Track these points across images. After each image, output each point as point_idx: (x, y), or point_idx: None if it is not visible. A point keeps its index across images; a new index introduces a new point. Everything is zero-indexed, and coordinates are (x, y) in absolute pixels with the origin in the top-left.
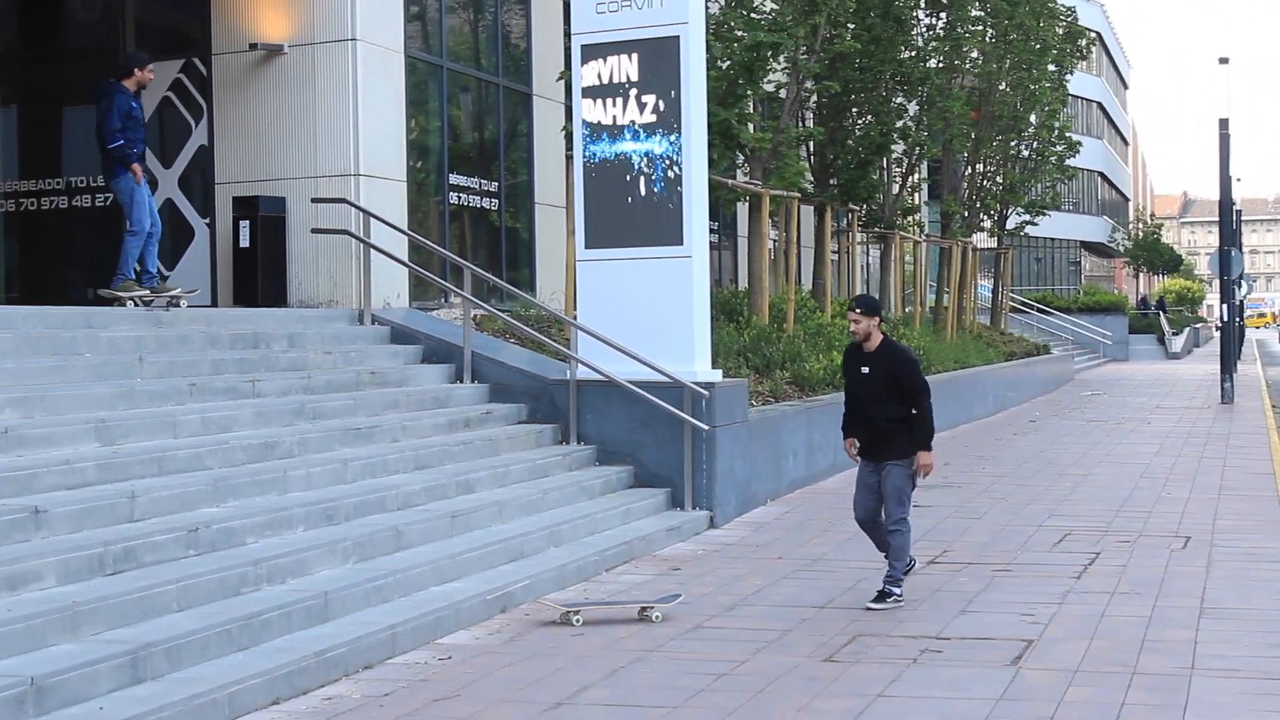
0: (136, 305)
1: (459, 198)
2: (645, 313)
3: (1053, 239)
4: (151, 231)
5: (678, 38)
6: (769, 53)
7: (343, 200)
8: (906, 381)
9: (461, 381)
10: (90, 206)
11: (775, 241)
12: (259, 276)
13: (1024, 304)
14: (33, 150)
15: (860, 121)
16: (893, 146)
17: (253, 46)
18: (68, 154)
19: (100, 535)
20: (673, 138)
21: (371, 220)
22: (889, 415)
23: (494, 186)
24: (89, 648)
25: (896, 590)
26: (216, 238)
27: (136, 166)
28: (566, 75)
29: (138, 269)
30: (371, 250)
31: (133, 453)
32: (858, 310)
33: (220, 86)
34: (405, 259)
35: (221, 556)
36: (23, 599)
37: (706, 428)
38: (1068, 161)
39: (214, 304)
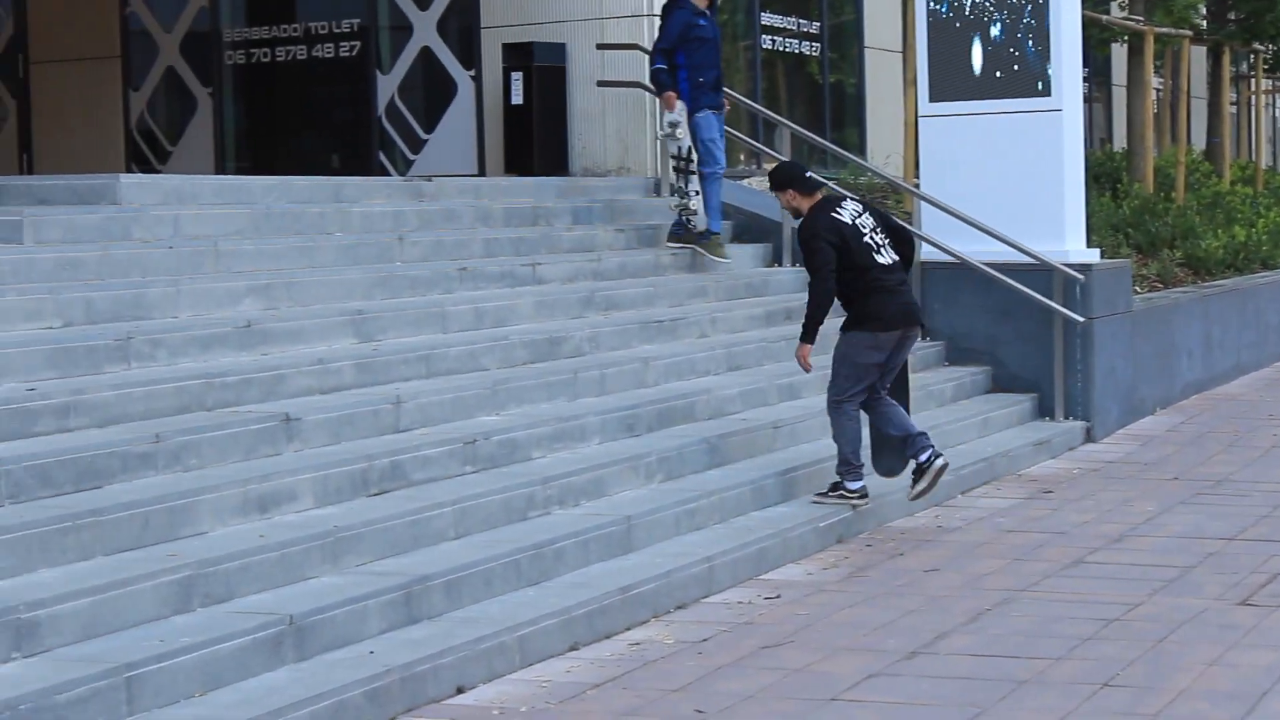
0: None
1: (772, 41)
2: (1003, 179)
3: None
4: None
5: None
6: None
7: (634, 46)
8: (805, 260)
9: (780, 264)
10: (333, 57)
11: (1159, 92)
12: (535, 139)
13: None
14: None
15: None
16: None
17: None
18: None
19: (362, 448)
20: None
21: None
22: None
23: (814, 28)
24: (354, 581)
25: (848, 482)
26: (484, 93)
27: (670, 95)
28: None
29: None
30: None
31: (395, 350)
32: (770, 189)
33: None
34: None
35: (503, 474)
36: (276, 523)
37: (1081, 319)
38: None
39: (481, 172)
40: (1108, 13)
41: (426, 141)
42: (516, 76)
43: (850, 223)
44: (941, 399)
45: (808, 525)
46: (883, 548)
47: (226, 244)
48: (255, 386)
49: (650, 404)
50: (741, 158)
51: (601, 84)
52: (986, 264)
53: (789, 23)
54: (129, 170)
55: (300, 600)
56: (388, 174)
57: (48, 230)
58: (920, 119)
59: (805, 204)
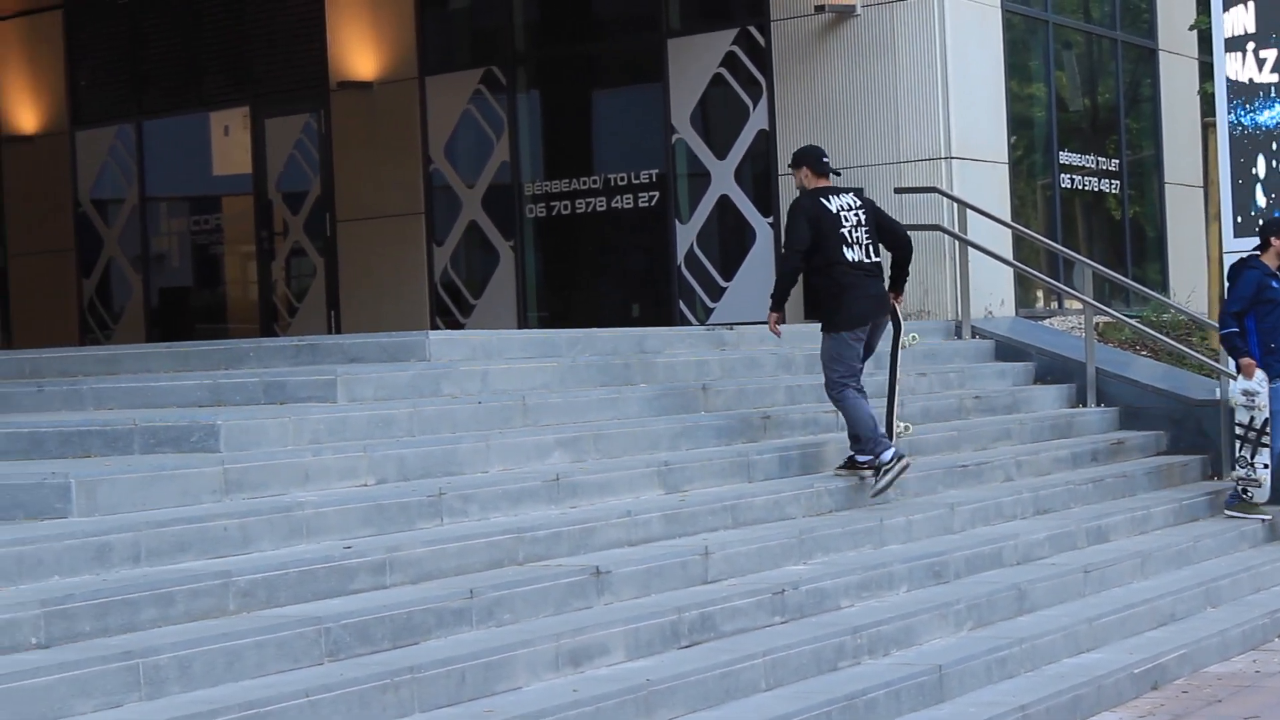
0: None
1: (1070, 180)
2: None
3: None
4: None
5: None
6: None
7: (932, 189)
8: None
9: (1084, 405)
10: (633, 207)
11: None
12: None
13: None
14: (562, 144)
15: None
16: None
17: (819, 9)
18: (601, 146)
19: (671, 600)
20: None
21: (968, 212)
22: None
23: (1113, 165)
24: None
25: (861, 458)
26: (782, 239)
27: (1248, 363)
28: (1203, 23)
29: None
30: (968, 248)
31: (701, 500)
32: (789, 165)
33: (781, 58)
34: (1010, 258)
35: (813, 624)
36: (588, 677)
37: None
38: None
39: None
40: None
41: (726, 289)
42: None
43: (834, 212)
44: (1254, 539)
45: (1123, 672)
46: (1199, 694)
47: (534, 398)
48: (565, 540)
49: (957, 550)
50: (1040, 296)
51: None
52: None
53: (1087, 160)
54: (434, 324)
55: None
56: (688, 323)
57: (360, 388)
58: (1226, 254)
59: (811, 184)
